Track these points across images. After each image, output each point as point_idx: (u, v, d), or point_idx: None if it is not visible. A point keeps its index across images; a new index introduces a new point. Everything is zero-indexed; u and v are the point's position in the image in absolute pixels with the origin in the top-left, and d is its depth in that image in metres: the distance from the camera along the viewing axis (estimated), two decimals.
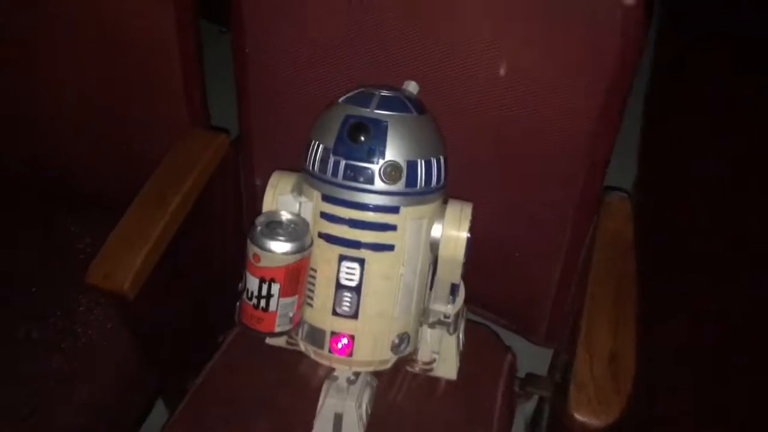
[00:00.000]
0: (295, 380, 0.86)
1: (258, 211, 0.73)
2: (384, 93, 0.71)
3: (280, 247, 0.65)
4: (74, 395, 0.86)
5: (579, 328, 0.69)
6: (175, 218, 0.80)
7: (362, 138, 0.67)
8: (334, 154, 0.68)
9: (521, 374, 0.96)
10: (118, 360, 0.90)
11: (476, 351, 0.90)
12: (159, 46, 0.87)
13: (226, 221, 0.94)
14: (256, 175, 0.93)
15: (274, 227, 0.67)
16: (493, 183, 0.84)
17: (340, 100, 0.72)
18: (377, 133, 0.67)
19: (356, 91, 0.72)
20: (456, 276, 0.75)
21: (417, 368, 0.86)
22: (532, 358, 0.99)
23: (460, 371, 0.87)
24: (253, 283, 0.66)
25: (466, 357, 0.87)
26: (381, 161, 0.67)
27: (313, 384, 0.85)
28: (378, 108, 0.69)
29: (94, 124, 0.97)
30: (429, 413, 0.84)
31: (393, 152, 0.67)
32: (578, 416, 0.62)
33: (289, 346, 0.85)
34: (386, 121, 0.68)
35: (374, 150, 0.67)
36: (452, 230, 0.72)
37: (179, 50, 0.87)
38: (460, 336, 0.87)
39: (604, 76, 0.72)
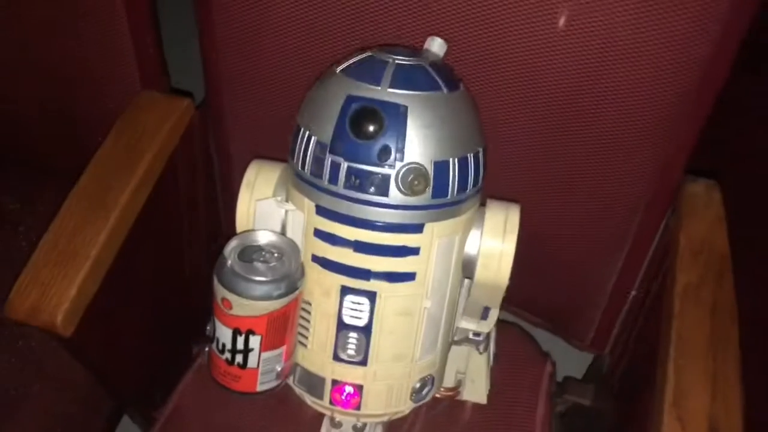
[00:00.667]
0: (287, 410, 0.69)
1: (236, 200, 0.54)
2: (400, 60, 0.50)
3: (259, 290, 0.46)
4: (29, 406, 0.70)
5: (663, 376, 0.52)
6: (124, 218, 0.61)
7: (371, 131, 0.47)
8: (332, 152, 0.48)
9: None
10: (71, 379, 0.74)
11: (509, 362, 0.74)
12: None
13: (196, 211, 0.75)
14: (232, 151, 0.73)
15: (251, 256, 0.49)
16: (542, 164, 0.64)
17: (337, 69, 0.51)
18: (393, 123, 0.47)
19: (360, 57, 0.51)
20: (495, 301, 0.57)
21: (439, 394, 0.69)
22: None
23: (491, 391, 0.70)
24: (224, 333, 0.48)
25: (496, 370, 0.70)
26: (399, 164, 0.48)
27: (310, 416, 0.68)
28: (393, 85, 0.48)
29: (33, 83, 0.76)
30: None
31: (415, 151, 0.48)
32: None
33: None
34: (405, 106, 0.48)
35: (388, 148, 0.47)
36: (494, 245, 0.53)
37: None
38: (491, 350, 0.70)
39: (718, 13, 0.51)
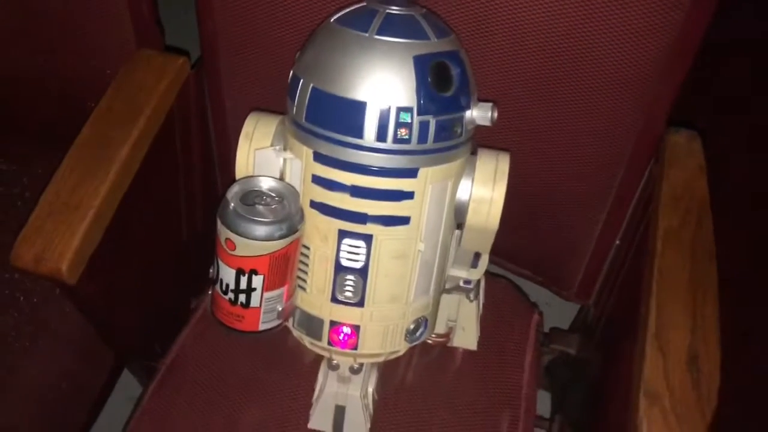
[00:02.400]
0: (285, 356, 0.72)
1: (231, 156, 0.56)
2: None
3: (261, 231, 0.48)
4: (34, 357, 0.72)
5: (646, 313, 0.54)
6: (124, 172, 0.63)
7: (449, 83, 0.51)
8: (420, 113, 0.50)
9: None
10: (72, 330, 0.75)
11: (497, 311, 0.77)
12: None
13: (192, 167, 0.76)
14: (227, 107, 0.74)
15: (253, 200, 0.50)
16: (528, 118, 0.66)
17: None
18: (462, 70, 0.52)
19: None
20: (485, 246, 0.59)
21: (431, 340, 0.72)
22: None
23: (481, 340, 0.73)
24: (228, 274, 0.50)
25: (486, 320, 0.73)
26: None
27: (308, 361, 0.71)
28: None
29: (27, 47, 0.77)
30: (446, 393, 0.71)
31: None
32: None
33: None
34: (457, 50, 0.52)
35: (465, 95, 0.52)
36: (485, 191, 0.55)
37: None
38: (481, 299, 0.73)
39: None
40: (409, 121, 0.49)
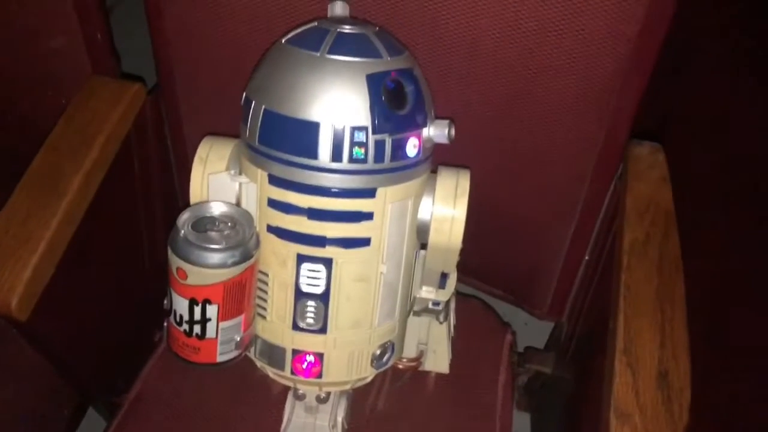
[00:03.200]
0: (252, 388, 0.70)
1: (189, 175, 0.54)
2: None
3: (213, 258, 0.47)
4: None
5: (614, 330, 0.53)
6: (77, 202, 0.61)
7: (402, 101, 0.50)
8: (375, 132, 0.49)
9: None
10: (31, 368, 0.73)
11: (470, 333, 0.75)
12: None
13: (152, 194, 0.74)
14: (185, 132, 0.73)
15: (205, 227, 0.49)
16: (490, 135, 0.66)
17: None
18: (415, 87, 0.51)
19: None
20: (450, 265, 0.58)
21: (401, 365, 0.70)
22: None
23: (453, 362, 0.71)
24: (181, 305, 0.49)
25: (458, 342, 0.72)
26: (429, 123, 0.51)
27: (275, 392, 0.69)
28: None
29: None
30: (419, 419, 0.69)
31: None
32: None
33: None
34: (411, 68, 0.51)
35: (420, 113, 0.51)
36: (446, 209, 0.54)
37: None
38: (451, 320, 0.71)
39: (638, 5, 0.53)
40: (364, 140, 0.48)
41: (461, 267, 0.65)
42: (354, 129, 0.48)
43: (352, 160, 0.49)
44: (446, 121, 0.52)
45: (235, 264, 0.48)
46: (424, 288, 0.63)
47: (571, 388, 0.77)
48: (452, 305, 0.71)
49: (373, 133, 0.48)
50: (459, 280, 0.68)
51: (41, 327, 0.59)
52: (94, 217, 0.63)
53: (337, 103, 0.48)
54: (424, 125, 0.52)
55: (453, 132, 0.52)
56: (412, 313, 0.64)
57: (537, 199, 0.69)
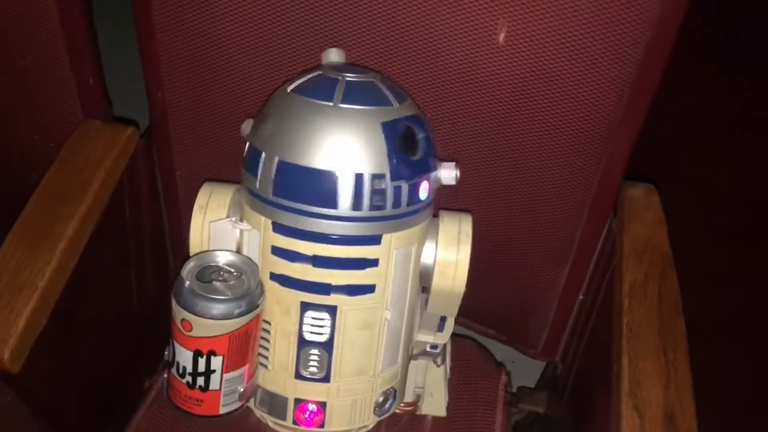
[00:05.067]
0: None
1: (184, 228, 0.54)
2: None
3: (219, 309, 0.46)
4: None
5: (618, 372, 0.53)
6: (71, 249, 0.60)
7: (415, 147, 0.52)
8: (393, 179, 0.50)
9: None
10: (16, 422, 0.70)
11: (464, 373, 0.74)
12: (34, 19, 0.64)
13: (143, 241, 0.73)
14: (178, 177, 0.72)
15: (209, 276, 0.48)
16: (485, 175, 0.66)
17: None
18: (425, 134, 0.52)
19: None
20: (452, 309, 0.58)
21: (398, 410, 0.69)
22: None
23: (449, 405, 0.71)
24: (185, 356, 0.48)
25: (453, 383, 0.71)
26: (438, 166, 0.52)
27: None
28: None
29: None
30: None
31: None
32: None
33: None
34: (418, 115, 0.53)
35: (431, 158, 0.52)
36: (450, 254, 0.54)
37: (59, 12, 0.64)
38: (447, 363, 0.71)
39: (645, 33, 0.54)
40: (384, 187, 0.48)
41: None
42: (374, 177, 0.48)
43: (372, 207, 0.49)
44: (452, 164, 0.53)
45: (241, 315, 0.47)
46: (423, 331, 0.63)
47: (567, 428, 0.76)
48: (448, 348, 0.70)
49: (392, 180, 0.48)
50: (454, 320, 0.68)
51: (32, 379, 0.57)
52: (86, 264, 0.61)
53: (355, 151, 0.48)
54: (435, 169, 0.52)
55: (459, 173, 0.53)
56: (410, 357, 0.64)
57: (532, 238, 0.70)
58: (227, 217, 0.53)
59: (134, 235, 0.71)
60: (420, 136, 0.51)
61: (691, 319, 0.57)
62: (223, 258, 0.50)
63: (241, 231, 0.53)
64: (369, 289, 0.52)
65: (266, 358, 0.54)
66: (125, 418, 0.70)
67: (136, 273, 0.73)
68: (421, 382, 0.69)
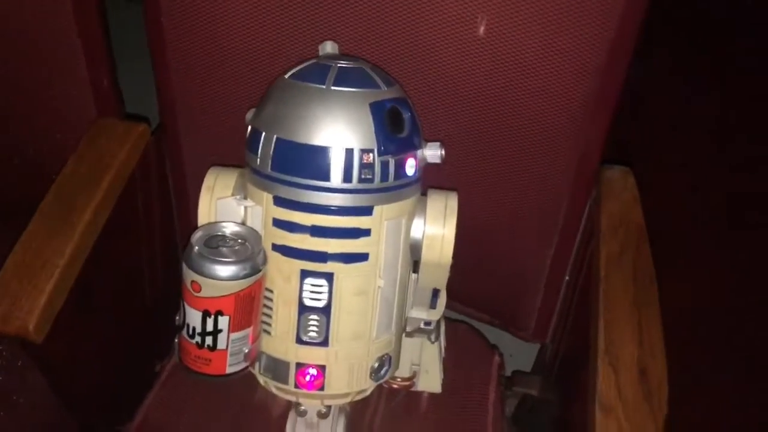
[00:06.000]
0: (252, 412, 0.72)
1: (191, 217, 0.58)
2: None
3: (225, 271, 0.51)
4: None
5: (595, 334, 0.58)
6: (88, 233, 0.65)
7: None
8: (380, 155, 0.54)
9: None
10: (33, 400, 0.74)
11: (459, 355, 0.79)
12: (51, 23, 0.70)
13: (154, 229, 0.78)
14: (186, 169, 0.77)
15: (216, 244, 0.53)
16: (472, 163, 0.71)
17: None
18: (411, 114, 0.57)
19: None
20: (441, 281, 0.62)
21: (396, 385, 0.73)
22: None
23: (444, 382, 0.75)
24: (194, 317, 0.52)
25: (448, 364, 0.75)
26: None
27: (276, 415, 0.72)
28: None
29: None
30: None
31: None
32: None
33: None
34: (404, 98, 0.57)
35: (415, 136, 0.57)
36: (437, 228, 0.59)
37: (77, 26, 0.70)
38: (442, 342, 0.75)
39: (609, 26, 0.59)
40: (372, 161, 0.53)
41: (449, 293, 0.69)
42: (362, 151, 0.53)
43: (360, 180, 0.53)
44: (437, 143, 0.58)
45: (246, 276, 0.51)
46: (416, 308, 0.67)
47: (556, 406, 0.80)
48: (442, 328, 0.74)
49: (379, 155, 0.53)
50: (447, 306, 0.72)
51: (53, 352, 0.62)
52: (101, 248, 0.66)
53: (345, 128, 0.53)
54: (420, 147, 0.57)
55: (444, 152, 0.58)
56: (405, 334, 0.68)
57: (518, 222, 0.74)
58: (232, 195, 0.58)
59: (146, 223, 0.76)
60: (405, 115, 0.56)
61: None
62: (229, 228, 0.54)
63: (245, 207, 0.57)
64: (363, 257, 0.56)
65: (269, 325, 0.58)
66: (136, 399, 0.74)
67: (148, 258, 0.78)
68: (417, 359, 0.73)
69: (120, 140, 0.71)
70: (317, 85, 0.54)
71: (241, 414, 0.73)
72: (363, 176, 0.53)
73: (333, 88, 0.54)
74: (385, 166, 0.54)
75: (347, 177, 0.53)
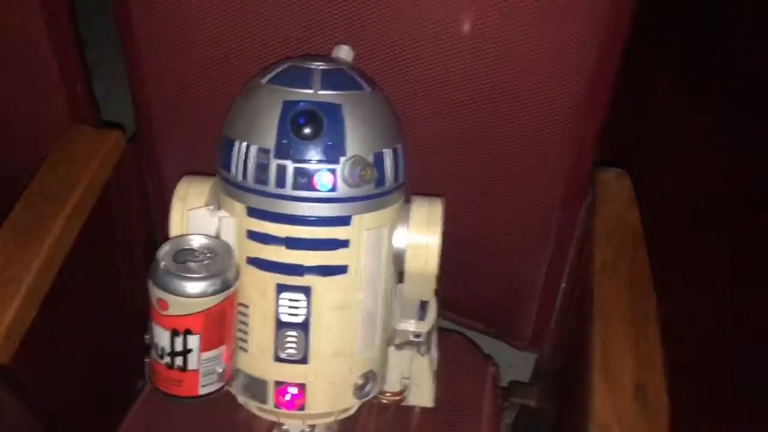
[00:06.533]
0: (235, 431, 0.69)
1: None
2: (324, 66, 0.53)
3: (194, 287, 0.48)
4: None
5: (590, 347, 0.54)
6: (58, 246, 0.62)
7: (313, 131, 0.50)
8: (277, 156, 0.50)
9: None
10: (8, 422, 0.71)
11: (452, 367, 0.75)
12: (24, 34, 0.68)
13: (132, 241, 0.75)
14: (165, 178, 0.74)
15: (185, 258, 0.50)
16: (460, 168, 0.68)
17: (263, 80, 0.54)
18: (332, 121, 0.51)
19: (284, 67, 0.55)
20: (428, 292, 0.59)
21: (385, 400, 0.70)
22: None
23: (437, 396, 0.72)
24: (162, 337, 0.49)
25: (441, 376, 0.72)
26: (342, 159, 0.50)
27: None
28: (324, 87, 0.52)
29: None
30: None
31: (357, 145, 0.51)
32: None
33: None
34: (340, 104, 0.51)
35: (332, 145, 0.50)
36: (420, 237, 0.56)
37: (48, 29, 0.67)
38: (434, 354, 0.72)
39: (599, 25, 0.56)
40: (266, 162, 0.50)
41: (442, 303, 0.66)
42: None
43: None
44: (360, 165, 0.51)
45: (215, 293, 0.48)
46: (404, 320, 0.64)
47: (554, 417, 0.77)
48: (434, 339, 0.71)
49: (276, 157, 0.50)
50: (440, 315, 0.69)
51: (22, 372, 0.59)
52: (74, 262, 0.63)
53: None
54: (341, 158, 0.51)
55: (362, 173, 0.51)
56: (394, 347, 0.65)
57: (511, 228, 0.71)
58: (205, 205, 0.55)
59: (123, 234, 0.73)
60: (326, 122, 0.51)
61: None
62: (197, 241, 0.51)
63: (219, 218, 0.54)
64: (341, 269, 0.53)
65: (246, 342, 0.55)
66: (116, 418, 0.71)
67: (127, 271, 0.75)
68: (407, 373, 0.70)
69: (92, 147, 0.69)
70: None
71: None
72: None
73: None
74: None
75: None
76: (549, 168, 0.66)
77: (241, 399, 0.58)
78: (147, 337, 0.52)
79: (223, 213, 0.54)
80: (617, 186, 0.66)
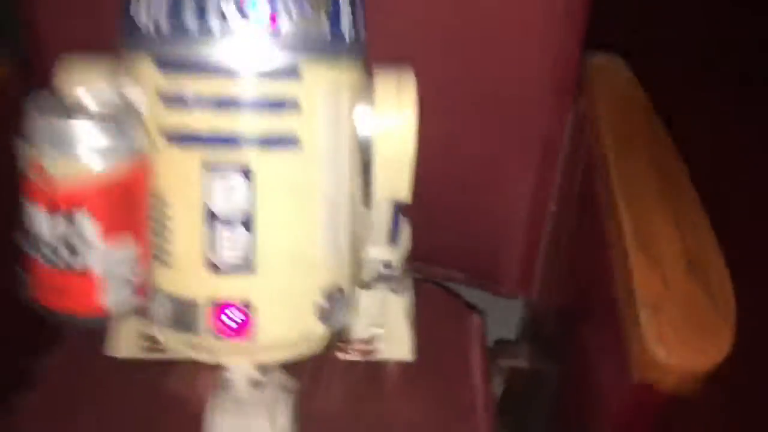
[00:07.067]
0: (158, 414, 0.53)
1: None
2: None
3: (83, 136, 0.33)
4: None
5: (619, 230, 0.42)
6: None
7: None
8: None
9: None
10: None
11: (431, 317, 0.62)
12: None
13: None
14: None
15: (70, 111, 0.36)
16: (440, 80, 0.56)
17: None
18: None
19: None
20: (403, 189, 0.46)
21: (353, 353, 0.57)
22: None
23: (417, 348, 0.58)
24: (40, 220, 0.34)
25: (418, 329, 0.59)
26: None
27: (193, 408, 0.53)
28: None
29: None
30: (381, 417, 0.55)
31: None
32: (664, 354, 0.35)
33: (148, 355, 0.54)
34: None
35: None
36: (390, 108, 0.43)
37: None
38: (410, 297, 0.59)
39: None
40: None
41: (413, 251, 0.54)
42: None
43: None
44: None
45: (113, 155, 0.34)
46: (373, 246, 0.52)
47: (554, 381, 0.64)
48: (409, 282, 0.59)
49: None
50: (412, 268, 0.57)
51: None
52: None
53: None
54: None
55: None
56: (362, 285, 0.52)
57: (491, 139, 0.60)
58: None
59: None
60: None
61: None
62: (87, 100, 0.37)
63: (121, 93, 0.40)
64: (291, 141, 0.40)
65: (168, 252, 0.41)
66: (7, 407, 0.55)
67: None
68: (379, 319, 0.56)
69: None
70: None
71: (149, 412, 0.54)
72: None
73: None
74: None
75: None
76: (533, 60, 0.55)
77: (162, 337, 0.43)
78: (18, 234, 0.37)
79: (126, 82, 0.40)
80: (614, 68, 0.55)
